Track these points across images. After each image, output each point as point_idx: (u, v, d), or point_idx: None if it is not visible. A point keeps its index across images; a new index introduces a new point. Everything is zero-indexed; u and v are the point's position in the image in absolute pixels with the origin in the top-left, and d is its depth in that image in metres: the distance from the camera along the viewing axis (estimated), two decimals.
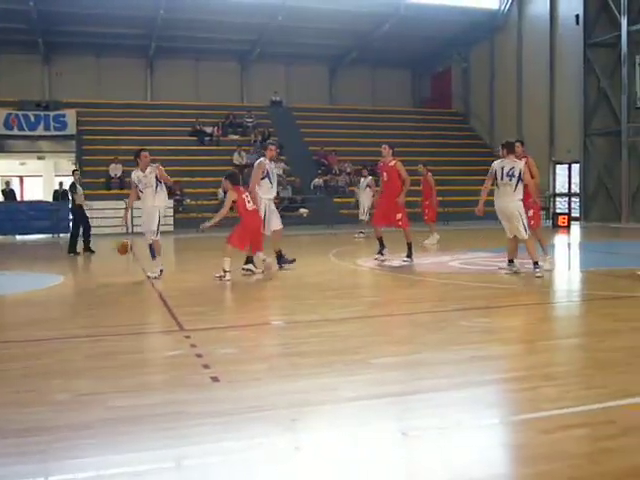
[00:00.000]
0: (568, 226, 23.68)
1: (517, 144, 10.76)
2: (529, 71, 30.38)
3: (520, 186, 10.02)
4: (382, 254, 12.57)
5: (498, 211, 10.27)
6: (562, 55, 28.44)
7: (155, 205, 10.81)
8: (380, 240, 12.62)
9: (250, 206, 10.62)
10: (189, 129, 29.42)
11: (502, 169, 10.13)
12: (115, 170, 25.55)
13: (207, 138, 28.98)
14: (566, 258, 15.30)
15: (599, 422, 3.97)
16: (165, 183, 11.00)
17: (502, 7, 31.89)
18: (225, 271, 10.15)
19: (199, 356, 5.63)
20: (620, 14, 25.01)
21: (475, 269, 11.59)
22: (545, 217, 26.95)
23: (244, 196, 10.65)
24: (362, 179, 20.15)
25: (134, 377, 5.05)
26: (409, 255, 12.36)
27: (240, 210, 10.60)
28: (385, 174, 12.61)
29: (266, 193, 11.23)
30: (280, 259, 11.46)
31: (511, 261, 10.66)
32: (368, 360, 5.47)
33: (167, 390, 4.72)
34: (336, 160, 28.17)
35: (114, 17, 28.45)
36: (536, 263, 10.23)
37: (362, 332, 6.64)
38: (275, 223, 11.32)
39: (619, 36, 25.14)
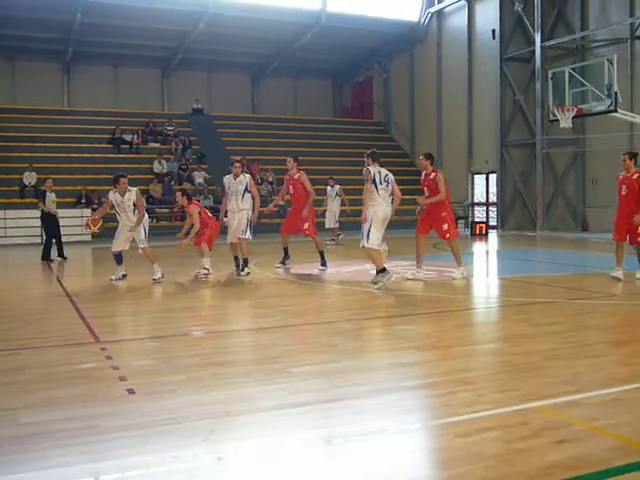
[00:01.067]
0: (486, 234, 24.29)
1: (421, 157, 11.26)
2: (448, 83, 31.10)
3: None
4: (284, 263, 13.08)
5: (384, 218, 10.31)
6: (480, 68, 29.24)
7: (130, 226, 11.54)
8: (285, 250, 13.15)
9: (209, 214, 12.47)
10: (108, 136, 28.77)
11: (379, 174, 10.36)
12: (29, 178, 24.69)
13: (126, 146, 28.42)
14: (484, 266, 15.67)
15: (512, 424, 4.06)
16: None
17: (422, 20, 32.56)
18: (205, 268, 11.85)
19: (115, 368, 5.49)
20: (534, 30, 25.93)
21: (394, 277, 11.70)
22: (464, 226, 27.68)
23: (200, 207, 12.27)
24: (330, 188, 20.33)
25: (46, 391, 4.87)
26: (323, 264, 12.68)
27: (204, 218, 12.06)
28: (291, 187, 12.86)
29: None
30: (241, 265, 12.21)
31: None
32: (287, 369, 5.45)
33: (81, 404, 4.58)
34: (258, 169, 28.08)
35: (28, 20, 27.58)
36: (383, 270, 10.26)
37: (282, 341, 6.62)
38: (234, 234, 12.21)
39: (533, 51, 26.06)
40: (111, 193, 11.65)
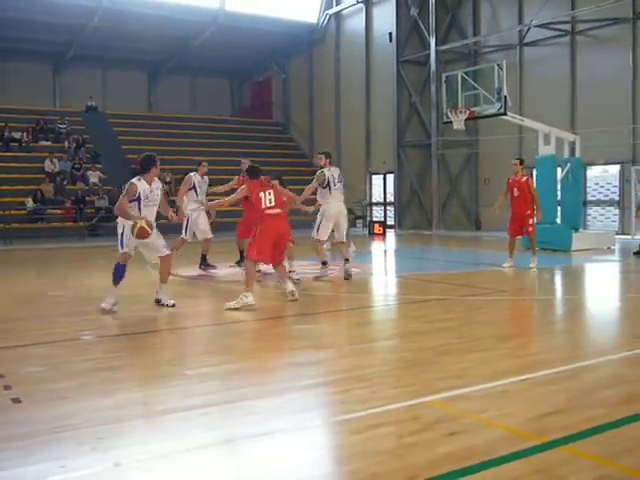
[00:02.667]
0: (384, 234, 24.72)
1: (320, 155, 11.37)
2: (346, 84, 31.46)
3: None
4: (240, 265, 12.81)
5: (336, 214, 11.00)
6: (377, 70, 29.73)
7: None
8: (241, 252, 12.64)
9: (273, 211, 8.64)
10: None
11: (333, 176, 11.00)
12: None
13: (16, 144, 27.20)
14: (382, 264, 15.93)
15: (404, 419, 4.14)
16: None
17: (320, 21, 32.79)
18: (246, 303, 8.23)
19: (0, 376, 5.23)
20: (429, 34, 26.61)
21: (294, 277, 11.73)
22: (362, 225, 28.10)
23: (261, 195, 8.62)
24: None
25: None
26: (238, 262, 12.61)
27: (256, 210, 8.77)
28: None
29: (191, 204, 12.18)
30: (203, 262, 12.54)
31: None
32: (183, 371, 5.37)
33: None
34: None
35: None
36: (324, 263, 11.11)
37: (178, 343, 6.51)
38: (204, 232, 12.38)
39: (428, 55, 26.73)
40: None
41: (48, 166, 25.51)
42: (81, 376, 5.25)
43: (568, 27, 23.20)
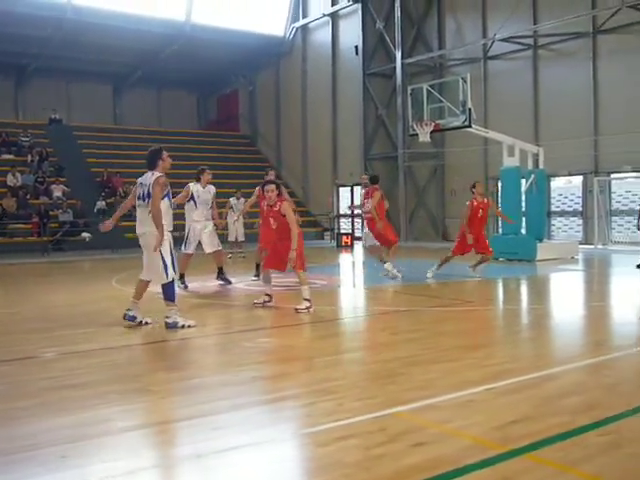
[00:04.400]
0: (351, 246, 24.76)
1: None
2: (313, 97, 31.58)
3: None
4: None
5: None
6: (344, 83, 29.89)
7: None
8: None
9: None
10: None
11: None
12: None
13: None
14: (350, 276, 15.95)
15: (371, 431, 4.13)
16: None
17: (287, 34, 32.92)
18: (306, 300, 8.92)
19: None
20: (395, 48, 26.86)
21: (259, 290, 11.68)
22: (330, 238, 28.14)
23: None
24: (236, 201, 19.47)
25: None
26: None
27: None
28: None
29: (191, 216, 11.79)
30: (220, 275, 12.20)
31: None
32: (148, 387, 5.30)
33: None
34: (121, 182, 27.25)
35: None
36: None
37: (142, 359, 6.44)
38: (208, 245, 11.87)
39: (394, 68, 26.98)
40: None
41: (10, 180, 25.13)
42: (42, 394, 5.15)
43: (531, 41, 23.60)
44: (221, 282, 12.13)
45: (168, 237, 7.76)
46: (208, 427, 4.31)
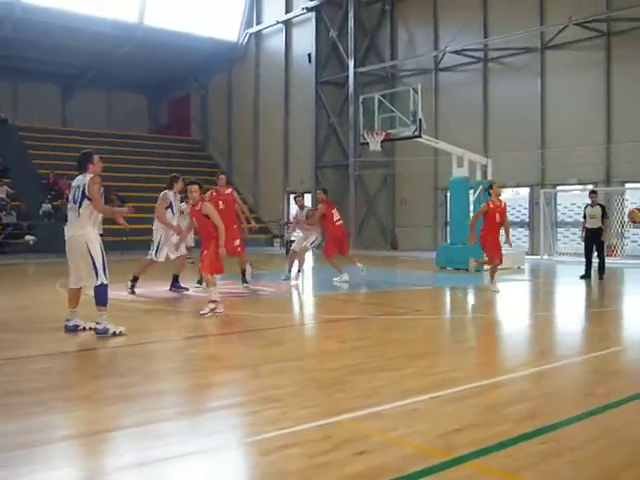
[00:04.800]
0: None
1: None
2: (266, 103, 31.53)
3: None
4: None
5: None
6: (296, 90, 29.93)
7: None
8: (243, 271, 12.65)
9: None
10: None
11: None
12: None
13: None
14: (300, 284, 15.90)
15: (314, 439, 4.09)
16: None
17: (241, 40, 32.84)
18: (212, 302, 9.09)
19: None
20: (348, 57, 27.02)
21: (204, 296, 11.57)
22: (279, 245, 28.07)
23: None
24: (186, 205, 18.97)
25: None
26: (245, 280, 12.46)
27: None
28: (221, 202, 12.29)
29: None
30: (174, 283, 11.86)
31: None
32: (89, 395, 5.17)
33: None
34: (68, 185, 26.66)
35: None
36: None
37: (85, 366, 6.29)
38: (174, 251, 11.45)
39: (347, 77, 27.12)
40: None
41: None
42: None
43: (481, 54, 24.03)
44: (175, 290, 11.78)
45: (98, 239, 7.65)
46: (152, 435, 4.23)
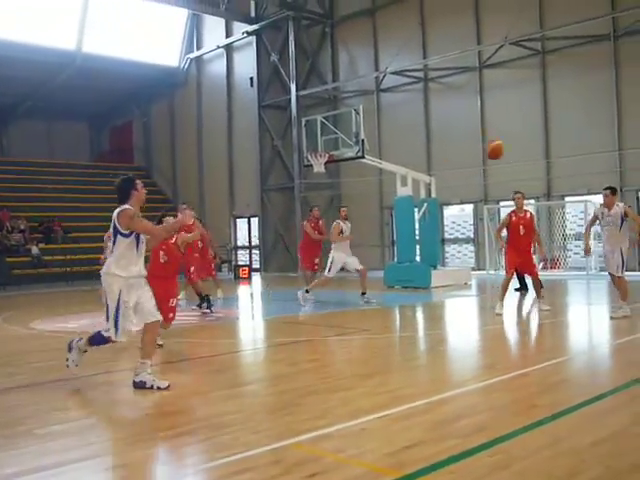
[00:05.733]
0: (249, 277, 24.65)
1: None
2: (209, 128, 31.45)
3: None
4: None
5: None
6: (239, 114, 29.93)
7: None
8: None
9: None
10: None
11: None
12: None
13: None
14: (249, 308, 15.85)
15: (265, 464, 4.10)
16: None
17: (182, 65, 32.76)
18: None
19: None
20: (290, 80, 27.19)
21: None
22: (227, 269, 27.91)
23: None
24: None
25: None
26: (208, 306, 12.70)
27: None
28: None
29: None
30: None
31: None
32: (34, 430, 5.05)
33: None
34: (8, 216, 26.12)
35: None
36: None
37: (28, 401, 6.13)
38: None
39: (290, 100, 27.27)
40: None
41: None
42: None
43: (421, 74, 24.46)
44: None
45: (118, 283, 6.33)
46: (101, 468, 4.20)
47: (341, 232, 13.79)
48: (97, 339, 6.59)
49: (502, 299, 11.12)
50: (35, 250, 24.84)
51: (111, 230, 6.42)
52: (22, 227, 25.96)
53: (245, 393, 6.18)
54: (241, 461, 4.14)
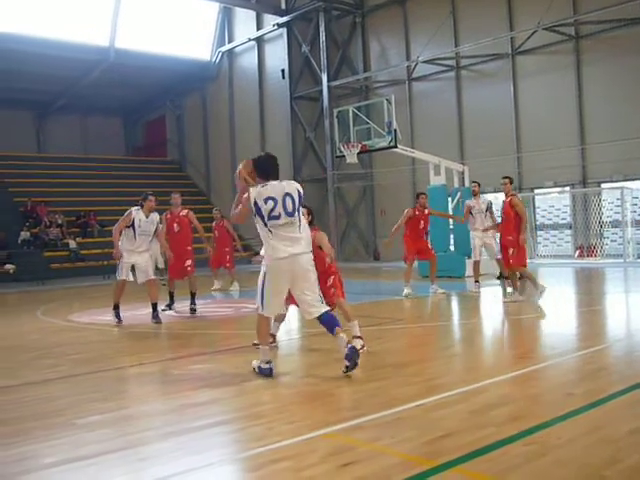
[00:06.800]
0: None
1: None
2: (241, 121, 31.57)
3: None
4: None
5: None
6: (271, 106, 30.00)
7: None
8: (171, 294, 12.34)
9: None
10: None
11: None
12: None
13: None
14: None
15: (301, 453, 4.11)
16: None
17: (213, 59, 32.90)
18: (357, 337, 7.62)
19: None
20: (321, 71, 27.16)
21: (189, 316, 11.54)
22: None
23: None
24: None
25: None
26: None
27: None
28: (176, 225, 12.07)
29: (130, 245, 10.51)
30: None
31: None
32: (72, 421, 5.14)
33: None
34: (46, 211, 26.59)
35: None
36: None
37: (67, 392, 6.23)
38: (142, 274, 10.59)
39: (321, 91, 27.26)
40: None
41: None
42: None
43: (453, 62, 24.24)
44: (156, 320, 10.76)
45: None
46: (137, 458, 4.23)
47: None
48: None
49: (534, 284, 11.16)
50: (73, 244, 25.25)
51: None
52: (59, 222, 26.38)
53: (279, 383, 6.20)
54: (276, 451, 4.16)
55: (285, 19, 28.19)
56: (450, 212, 17.79)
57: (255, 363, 6.43)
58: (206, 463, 4.09)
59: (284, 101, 28.56)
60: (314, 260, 6.50)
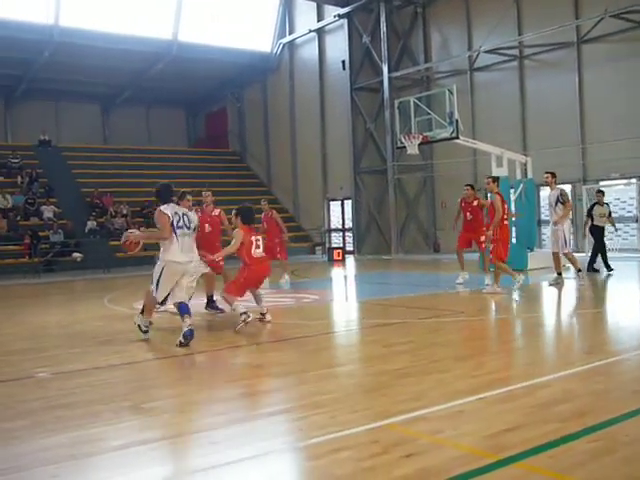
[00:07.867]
0: (343, 260, 24.79)
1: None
2: (301, 112, 31.69)
3: None
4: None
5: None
6: (332, 98, 30.02)
7: None
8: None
9: (258, 253, 9.22)
10: None
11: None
12: None
13: None
14: (342, 290, 15.96)
15: (363, 443, 4.14)
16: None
17: (274, 50, 33.08)
18: (243, 314, 8.69)
19: None
20: (381, 62, 27.04)
21: (253, 305, 11.65)
22: (321, 252, 28.16)
23: (253, 239, 9.23)
24: None
25: None
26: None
27: (243, 255, 9.14)
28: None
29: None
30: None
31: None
32: (139, 405, 5.29)
33: None
34: (112, 201, 27.25)
35: None
36: None
37: (133, 377, 6.41)
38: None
39: (382, 82, 27.14)
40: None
41: (1, 202, 25.13)
42: (35, 414, 5.13)
43: (516, 52, 23.79)
44: (211, 310, 10.93)
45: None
46: (199, 443, 4.36)
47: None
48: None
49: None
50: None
51: None
52: (124, 212, 26.98)
53: (340, 373, 6.25)
54: (338, 440, 4.19)
55: (346, 10, 28.12)
56: (512, 204, 17.50)
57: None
58: (269, 450, 4.16)
59: (344, 92, 28.53)
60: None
